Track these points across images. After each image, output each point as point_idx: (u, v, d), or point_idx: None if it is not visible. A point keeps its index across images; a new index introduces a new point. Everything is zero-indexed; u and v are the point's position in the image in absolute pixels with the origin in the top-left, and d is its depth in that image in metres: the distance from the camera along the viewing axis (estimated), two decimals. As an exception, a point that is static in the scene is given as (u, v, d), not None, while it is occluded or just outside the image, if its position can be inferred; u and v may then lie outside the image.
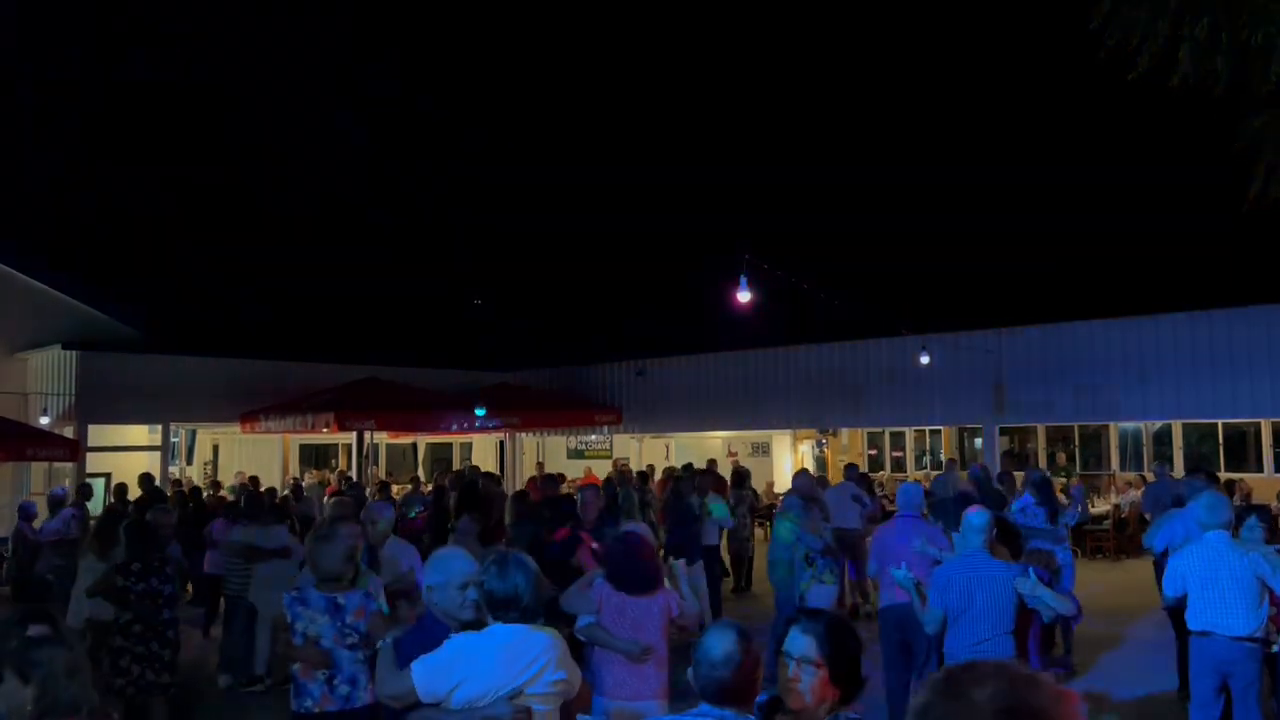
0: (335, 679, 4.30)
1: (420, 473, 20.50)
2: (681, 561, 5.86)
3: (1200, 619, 5.43)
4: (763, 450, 21.52)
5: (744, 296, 9.58)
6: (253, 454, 19.52)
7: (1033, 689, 1.37)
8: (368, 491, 14.31)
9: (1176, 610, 6.16)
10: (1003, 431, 15.47)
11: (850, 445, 21.75)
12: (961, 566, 5.03)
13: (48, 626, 2.74)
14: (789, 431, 20.75)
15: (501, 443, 20.14)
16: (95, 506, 13.37)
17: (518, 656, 3.19)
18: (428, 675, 3.17)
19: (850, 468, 12.13)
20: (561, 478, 12.84)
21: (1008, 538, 5.46)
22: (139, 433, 16.93)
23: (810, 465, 21.53)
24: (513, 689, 3.17)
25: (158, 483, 14.97)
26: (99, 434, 15.48)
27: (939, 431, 20.37)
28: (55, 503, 11.09)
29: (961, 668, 1.44)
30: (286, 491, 14.16)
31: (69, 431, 15.05)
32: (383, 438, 19.63)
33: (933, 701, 1.39)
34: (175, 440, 17.10)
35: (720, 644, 2.60)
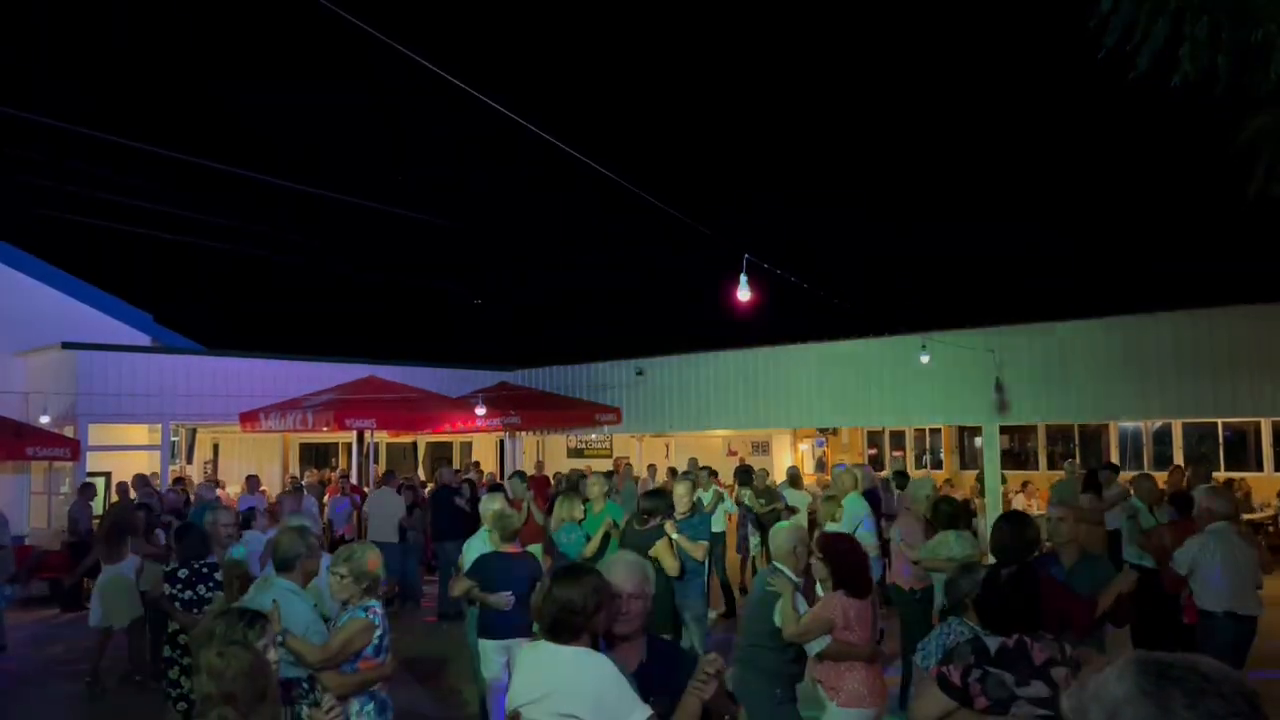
0: None
1: (420, 471, 20.48)
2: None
3: (1212, 601, 6.08)
4: (762, 449, 21.55)
5: (744, 296, 9.55)
6: (253, 453, 19.53)
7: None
8: (366, 488, 14.30)
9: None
10: (1002, 431, 15.44)
11: (850, 444, 21.75)
12: None
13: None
14: (789, 430, 20.75)
15: (502, 442, 20.13)
16: (98, 507, 13.39)
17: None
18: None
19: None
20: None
21: None
22: (139, 432, 16.92)
23: (811, 464, 21.51)
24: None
25: (167, 483, 14.98)
26: (99, 433, 15.46)
27: (939, 431, 20.35)
28: None
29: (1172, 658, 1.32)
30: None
31: (69, 431, 15.05)
32: (383, 437, 19.62)
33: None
34: (175, 439, 17.08)
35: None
